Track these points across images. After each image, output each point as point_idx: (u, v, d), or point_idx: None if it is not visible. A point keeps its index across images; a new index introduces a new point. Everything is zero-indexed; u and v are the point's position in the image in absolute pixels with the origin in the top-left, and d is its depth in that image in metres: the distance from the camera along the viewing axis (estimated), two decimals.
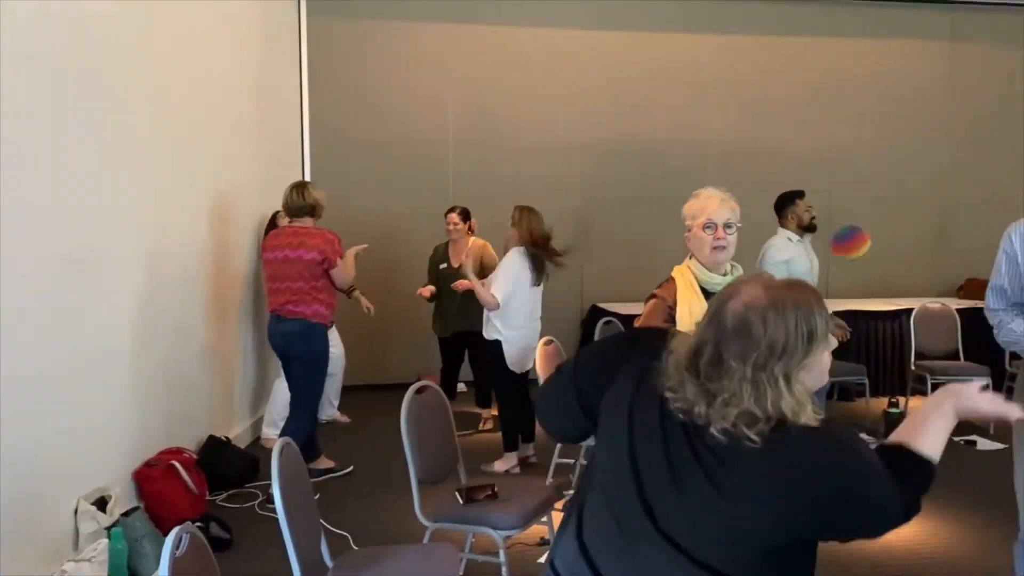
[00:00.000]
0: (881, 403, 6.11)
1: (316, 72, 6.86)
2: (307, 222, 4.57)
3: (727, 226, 2.64)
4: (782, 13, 7.47)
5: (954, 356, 6.36)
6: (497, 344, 4.86)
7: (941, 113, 7.78)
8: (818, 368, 1.45)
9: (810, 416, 1.38)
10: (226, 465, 4.63)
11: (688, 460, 1.40)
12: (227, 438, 4.90)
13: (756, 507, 1.34)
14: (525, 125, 7.21)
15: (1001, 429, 5.49)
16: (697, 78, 7.41)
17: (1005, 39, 7.79)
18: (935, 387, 6.02)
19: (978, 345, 6.34)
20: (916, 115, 7.75)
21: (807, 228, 5.08)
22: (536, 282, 4.89)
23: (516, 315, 4.83)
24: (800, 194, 5.14)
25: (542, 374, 4.25)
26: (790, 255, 4.95)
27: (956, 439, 5.57)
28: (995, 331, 2.76)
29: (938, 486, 1.52)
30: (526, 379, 5.05)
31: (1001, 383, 6.11)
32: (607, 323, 5.78)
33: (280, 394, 5.26)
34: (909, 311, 6.52)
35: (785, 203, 5.13)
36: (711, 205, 2.64)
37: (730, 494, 1.35)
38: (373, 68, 7.01)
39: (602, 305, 6.87)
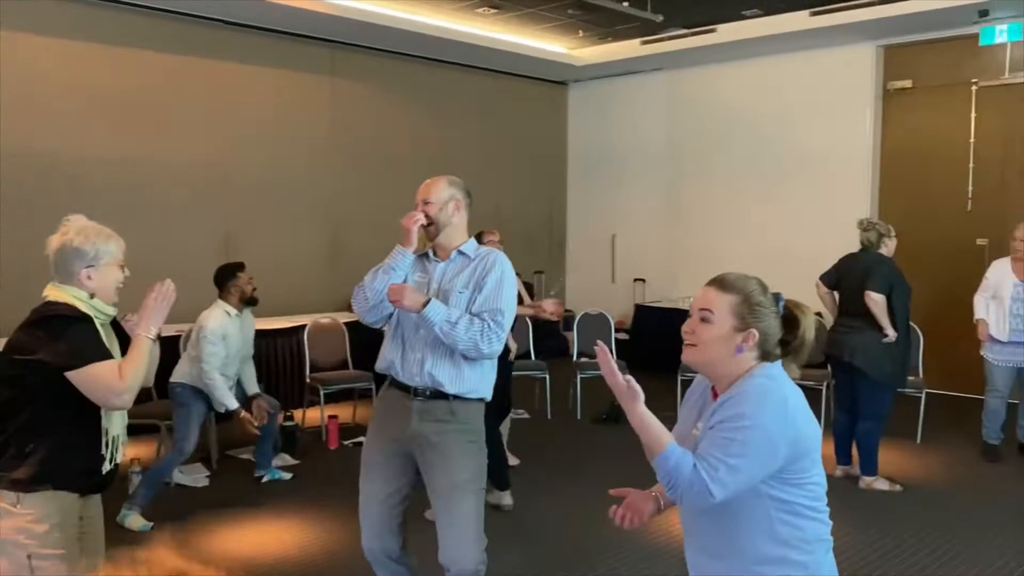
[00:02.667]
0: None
1: None
2: None
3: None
4: (176, 31, 7.26)
5: (344, 366, 6.88)
6: None
7: (326, 140, 8.39)
8: None
9: None
10: None
11: None
12: None
13: None
14: None
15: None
16: (83, 88, 6.77)
17: (375, 79, 8.76)
18: (328, 397, 6.50)
19: (364, 354, 6.98)
20: (305, 140, 8.23)
21: (248, 301, 5.08)
22: None
23: None
24: (240, 266, 5.09)
25: None
26: (228, 331, 4.91)
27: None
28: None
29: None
30: None
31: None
32: None
33: None
34: (304, 327, 6.88)
35: (226, 276, 5.03)
36: (115, 241, 2.53)
37: None
38: None
39: None
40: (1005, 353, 5.71)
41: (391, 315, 3.07)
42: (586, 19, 8.19)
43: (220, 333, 4.88)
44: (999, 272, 5.75)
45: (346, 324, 7.04)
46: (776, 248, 8.72)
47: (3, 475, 2.37)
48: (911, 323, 5.44)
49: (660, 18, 7.90)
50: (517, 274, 3.31)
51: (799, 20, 7.90)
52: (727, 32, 8.39)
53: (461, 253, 3.09)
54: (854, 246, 5.47)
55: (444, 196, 3.08)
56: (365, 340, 7.15)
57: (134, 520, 4.54)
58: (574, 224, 10.78)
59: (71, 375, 2.33)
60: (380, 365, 3.14)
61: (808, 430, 1.85)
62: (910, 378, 5.88)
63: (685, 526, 2.04)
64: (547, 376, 7.09)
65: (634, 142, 10.15)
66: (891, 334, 5.04)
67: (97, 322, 2.46)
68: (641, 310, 9.33)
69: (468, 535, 2.97)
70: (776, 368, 1.91)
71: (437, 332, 2.89)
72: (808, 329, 1.95)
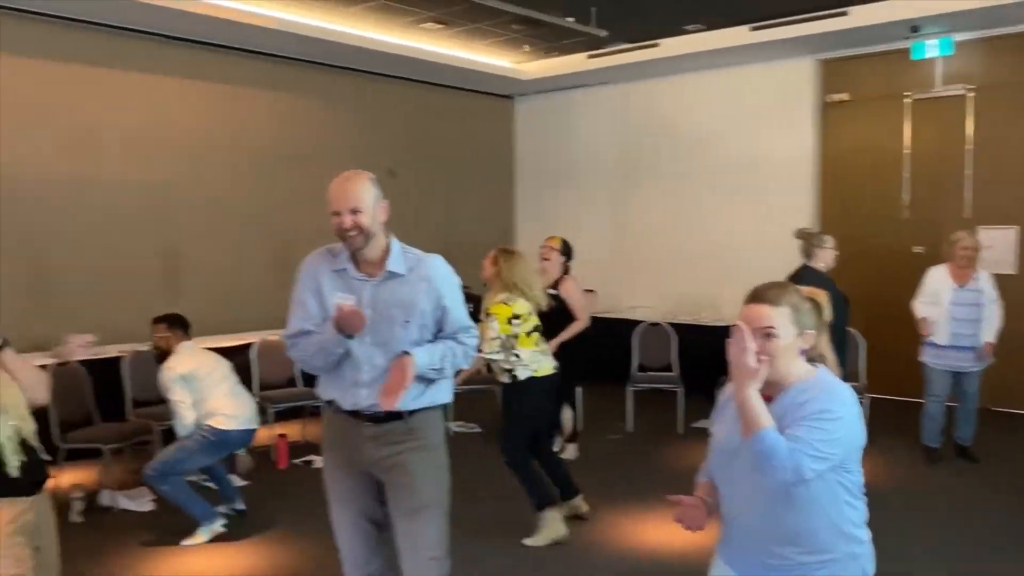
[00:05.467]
0: None
1: None
2: None
3: None
4: (117, 47, 7.11)
5: (292, 384, 6.78)
6: None
7: (269, 155, 8.28)
8: None
9: None
10: None
11: None
12: None
13: None
14: None
15: None
16: (24, 105, 6.59)
17: (320, 93, 8.70)
18: (277, 415, 6.41)
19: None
20: (247, 156, 8.10)
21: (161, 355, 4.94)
22: None
23: None
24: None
25: None
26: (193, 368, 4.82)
27: None
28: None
29: None
30: None
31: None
32: None
33: None
34: (251, 344, 6.77)
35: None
36: None
37: None
38: None
39: None
40: (944, 357, 5.87)
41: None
42: (531, 34, 8.26)
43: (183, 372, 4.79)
44: (936, 278, 5.92)
45: None
46: (721, 257, 8.87)
47: None
48: (850, 329, 5.56)
49: (604, 33, 8.01)
50: (467, 287, 3.24)
51: (740, 35, 8.07)
52: (670, 47, 8.53)
53: (391, 273, 2.76)
54: (797, 255, 5.62)
55: (371, 199, 2.73)
56: None
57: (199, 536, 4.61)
58: (524, 236, 10.80)
59: None
60: (322, 391, 2.90)
61: (862, 423, 2.06)
62: (852, 384, 6.00)
63: (741, 523, 2.14)
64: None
65: (581, 154, 10.24)
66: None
67: None
68: (591, 320, 9.35)
69: (433, 557, 2.82)
70: (827, 371, 2.12)
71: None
72: (827, 310, 2.18)
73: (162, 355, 4.88)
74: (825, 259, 5.52)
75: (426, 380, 2.79)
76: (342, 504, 2.92)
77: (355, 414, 2.80)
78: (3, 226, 6.45)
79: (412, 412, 2.79)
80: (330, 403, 2.88)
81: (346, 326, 2.63)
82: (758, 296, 2.08)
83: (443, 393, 2.88)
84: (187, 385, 4.71)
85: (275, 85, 8.32)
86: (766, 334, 2.02)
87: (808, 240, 5.55)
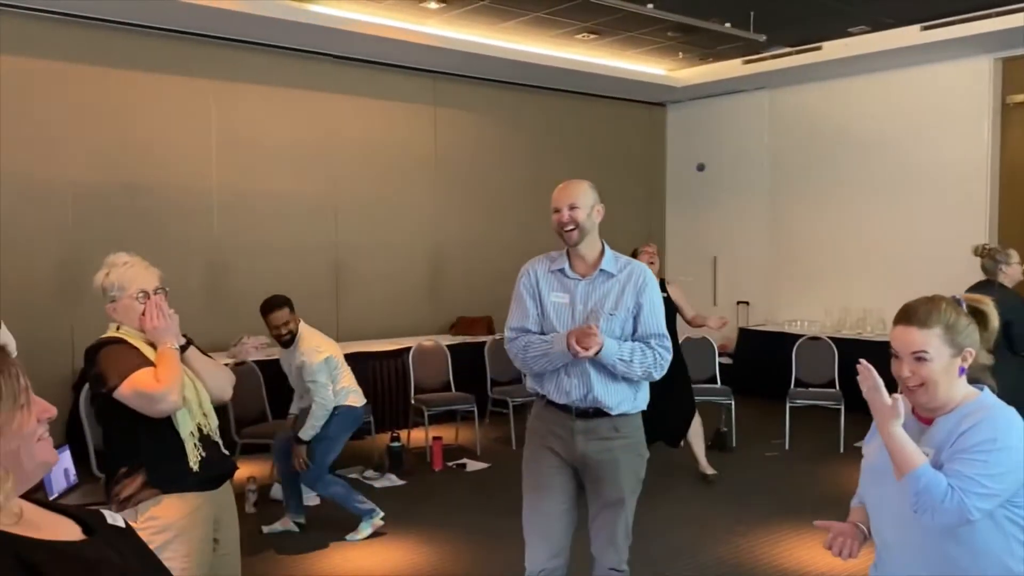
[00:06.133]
0: (385, 438, 6.47)
1: None
2: None
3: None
4: (281, 65, 7.61)
5: (447, 388, 7.01)
6: None
7: (429, 168, 8.60)
8: None
9: None
10: None
11: None
12: None
13: None
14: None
15: None
16: (195, 126, 7.18)
17: (483, 109, 8.95)
18: (432, 418, 6.64)
19: (465, 376, 7.13)
20: (408, 169, 8.46)
21: (280, 341, 5.01)
22: None
23: None
24: (274, 306, 4.94)
25: None
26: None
27: None
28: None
29: None
30: None
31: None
32: None
33: None
34: (408, 349, 7.05)
35: (262, 311, 4.97)
36: (140, 274, 2.64)
37: None
38: None
39: None
40: None
41: None
42: (686, 41, 8.16)
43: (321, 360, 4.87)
44: None
45: (448, 347, 7.19)
46: (886, 269, 8.43)
47: (118, 498, 2.54)
48: None
49: (763, 38, 7.80)
50: None
51: (909, 35, 7.66)
52: (833, 49, 8.19)
53: (603, 271, 3.02)
54: (969, 267, 5.26)
55: (589, 200, 3.03)
56: (467, 363, 7.32)
57: (362, 531, 4.82)
58: (674, 246, 10.68)
59: (115, 395, 2.50)
60: (531, 385, 3.11)
61: None
62: None
63: (895, 554, 2.00)
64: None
65: (735, 162, 10.00)
66: None
67: (137, 343, 2.60)
68: (745, 334, 9.14)
69: (622, 538, 3.03)
70: (991, 393, 1.96)
71: (609, 367, 2.91)
72: (993, 318, 2.00)
73: (290, 339, 4.94)
74: (1012, 276, 5.13)
75: (631, 384, 2.99)
76: (548, 493, 3.03)
77: (566, 409, 2.99)
78: (189, 234, 7.05)
79: (619, 414, 3.00)
80: (541, 396, 3.08)
81: (581, 343, 2.83)
82: (906, 316, 1.93)
83: (643, 398, 3.09)
84: (328, 368, 4.84)
85: (435, 100, 8.63)
86: (918, 358, 1.90)
87: (991, 257, 5.15)
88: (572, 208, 2.99)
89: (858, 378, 1.91)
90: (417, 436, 6.76)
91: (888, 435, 1.85)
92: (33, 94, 6.35)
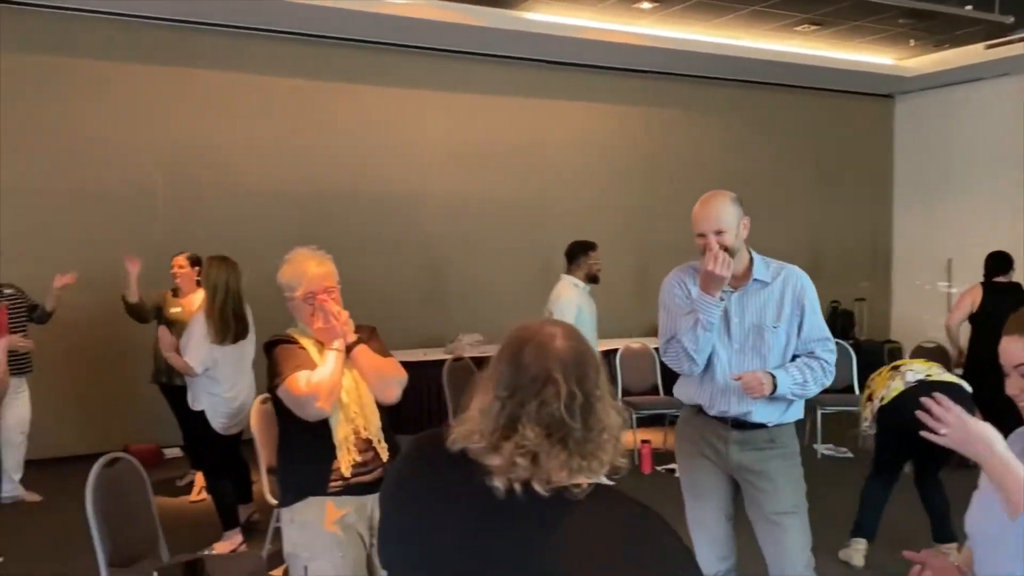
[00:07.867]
0: None
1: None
2: None
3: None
4: (500, 75, 7.85)
5: (654, 391, 6.92)
6: (201, 415, 4.51)
7: (639, 169, 8.54)
8: None
9: None
10: None
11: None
12: None
13: None
14: (237, 172, 6.93)
15: None
16: (415, 133, 7.57)
17: (695, 107, 8.77)
18: (640, 421, 6.58)
19: (673, 381, 6.97)
20: (618, 170, 8.45)
21: (592, 279, 5.29)
22: (228, 340, 4.41)
23: (218, 376, 4.44)
24: (592, 245, 5.30)
25: (258, 435, 4.02)
26: (582, 303, 5.13)
27: None
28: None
29: None
30: (237, 440, 4.73)
31: None
32: None
33: None
34: (616, 351, 7.03)
35: (577, 252, 5.28)
36: (308, 271, 2.62)
37: None
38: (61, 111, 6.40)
39: None
40: None
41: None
42: (919, 27, 7.56)
43: (576, 303, 5.03)
44: None
45: (656, 349, 7.08)
46: None
47: (282, 495, 2.64)
48: None
49: (1011, 19, 7.08)
50: (836, 302, 3.16)
51: None
52: None
53: (757, 280, 2.85)
54: None
55: (734, 220, 2.79)
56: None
57: None
58: (901, 248, 9.94)
59: (277, 393, 2.56)
60: (683, 394, 2.99)
61: None
62: None
63: None
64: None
65: (976, 155, 9.14)
66: None
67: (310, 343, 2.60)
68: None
69: (798, 559, 2.85)
70: None
71: (787, 396, 2.81)
72: None
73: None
74: None
75: (787, 400, 2.86)
76: (708, 501, 2.97)
77: (722, 420, 2.89)
78: (408, 236, 7.44)
79: (775, 424, 2.88)
80: (695, 407, 2.96)
81: (711, 283, 2.70)
82: (1015, 326, 1.67)
83: (798, 408, 2.96)
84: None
85: (647, 101, 8.56)
86: (1023, 373, 1.65)
87: None
88: (719, 234, 2.75)
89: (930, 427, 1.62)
90: (625, 438, 6.72)
91: (994, 461, 1.56)
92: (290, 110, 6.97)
